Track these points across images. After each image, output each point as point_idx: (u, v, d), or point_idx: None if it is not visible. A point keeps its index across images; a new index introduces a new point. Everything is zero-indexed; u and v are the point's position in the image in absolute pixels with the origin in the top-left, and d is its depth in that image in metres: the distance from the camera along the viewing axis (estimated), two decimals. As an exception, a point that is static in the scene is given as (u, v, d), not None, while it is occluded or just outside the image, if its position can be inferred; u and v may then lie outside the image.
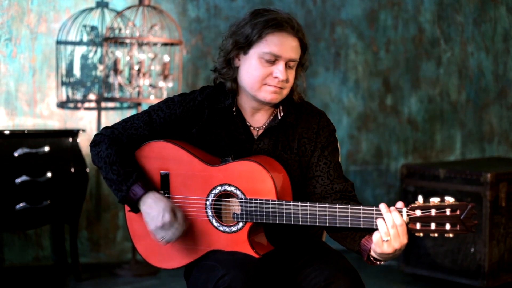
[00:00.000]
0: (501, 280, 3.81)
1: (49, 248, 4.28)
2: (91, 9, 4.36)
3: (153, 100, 4.14)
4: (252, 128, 2.18)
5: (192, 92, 2.21)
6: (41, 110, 4.23)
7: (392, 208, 1.90)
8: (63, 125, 4.30)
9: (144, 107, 4.34)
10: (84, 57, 4.37)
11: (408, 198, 3.99)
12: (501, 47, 4.68)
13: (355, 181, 4.99)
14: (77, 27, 4.31)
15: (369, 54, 5.06)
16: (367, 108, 5.07)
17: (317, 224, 1.98)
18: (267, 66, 2.07)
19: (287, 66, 2.09)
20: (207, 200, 2.08)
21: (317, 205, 1.97)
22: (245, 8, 4.67)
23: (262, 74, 2.08)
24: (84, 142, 4.22)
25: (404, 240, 1.88)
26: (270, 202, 2.00)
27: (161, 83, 4.24)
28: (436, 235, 1.85)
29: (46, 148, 3.79)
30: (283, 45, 2.06)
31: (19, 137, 3.75)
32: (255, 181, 2.02)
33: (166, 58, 4.22)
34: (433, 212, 1.85)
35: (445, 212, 1.84)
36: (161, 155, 2.14)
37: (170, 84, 4.28)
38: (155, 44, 4.33)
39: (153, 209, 2.03)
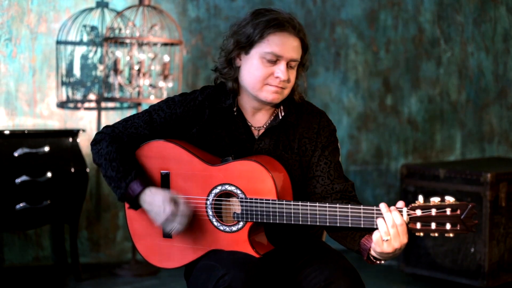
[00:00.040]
0: (501, 280, 3.81)
1: (49, 248, 4.28)
2: (91, 9, 4.36)
3: (153, 100, 4.14)
4: (253, 128, 2.18)
5: (193, 92, 2.21)
6: (41, 110, 4.23)
7: (392, 207, 1.90)
8: (63, 125, 4.30)
9: (144, 107, 4.34)
10: (84, 57, 4.37)
11: (408, 198, 3.99)
12: (501, 47, 4.69)
13: (355, 181, 4.99)
14: (77, 27, 4.31)
15: (369, 54, 5.06)
16: (367, 108, 5.07)
17: (318, 223, 1.98)
18: (268, 66, 2.08)
19: (288, 66, 2.09)
20: (207, 199, 2.08)
21: (317, 204, 1.97)
22: (245, 8, 4.67)
23: (264, 74, 2.08)
24: (84, 142, 4.22)
25: (404, 239, 1.88)
26: (270, 201, 2.00)
27: (161, 83, 4.24)
28: (436, 234, 1.85)
29: (46, 148, 3.79)
30: (284, 45, 2.06)
31: (19, 137, 3.75)
32: (255, 181, 2.02)
33: (166, 58, 4.22)
34: (433, 211, 1.85)
35: (445, 211, 1.84)
36: (162, 154, 2.14)
37: (170, 84, 4.28)
38: (155, 44, 4.33)
39: (153, 205, 2.04)
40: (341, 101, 5.05)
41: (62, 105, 4.30)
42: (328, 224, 1.97)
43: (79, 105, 4.36)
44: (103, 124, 4.37)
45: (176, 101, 2.18)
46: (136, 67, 4.18)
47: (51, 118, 4.26)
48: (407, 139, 5.07)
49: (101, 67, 4.38)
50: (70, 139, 3.90)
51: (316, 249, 2.12)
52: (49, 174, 3.77)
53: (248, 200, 2.02)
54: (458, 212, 1.83)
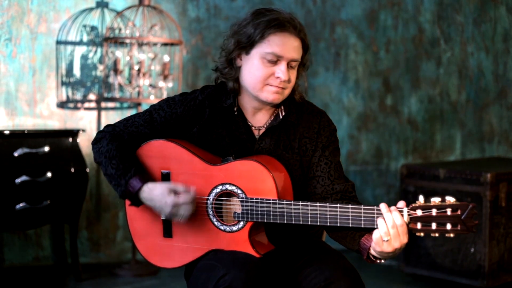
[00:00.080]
0: (501, 280, 3.81)
1: (49, 248, 4.27)
2: (91, 9, 4.36)
3: (153, 100, 4.14)
4: (253, 127, 2.18)
5: (193, 92, 2.21)
6: (41, 110, 4.23)
7: (392, 207, 1.89)
8: (63, 125, 4.30)
9: (144, 107, 4.34)
10: (84, 57, 4.37)
11: (408, 198, 3.99)
12: (501, 47, 4.69)
13: (355, 181, 4.99)
14: (77, 27, 4.31)
15: (369, 54, 5.06)
16: (367, 108, 5.07)
17: (318, 223, 1.98)
18: (269, 66, 2.07)
19: (289, 66, 2.09)
20: (208, 199, 2.08)
21: (318, 204, 1.97)
22: (245, 8, 4.67)
23: (264, 74, 2.08)
24: (84, 142, 4.22)
25: (404, 239, 1.88)
26: (271, 201, 2.00)
27: (161, 83, 4.24)
28: (437, 235, 1.85)
29: (46, 148, 3.79)
30: (285, 45, 2.06)
31: (19, 137, 3.75)
32: (256, 181, 2.02)
33: (166, 58, 4.22)
34: (434, 212, 1.85)
35: (446, 212, 1.84)
36: (162, 154, 2.14)
37: (170, 84, 4.28)
38: (155, 44, 4.33)
39: (154, 201, 2.04)
40: (341, 101, 5.05)
41: (62, 105, 4.30)
42: (328, 224, 1.97)
43: (79, 105, 4.36)
44: (103, 124, 4.37)
45: (177, 101, 2.18)
46: (136, 67, 4.18)
47: (51, 118, 4.26)
48: (407, 139, 5.07)
49: (101, 67, 4.38)
50: (70, 139, 3.90)
51: (316, 249, 2.12)
52: (49, 174, 3.77)
53: (249, 200, 2.02)
54: (459, 212, 1.83)
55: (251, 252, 2.02)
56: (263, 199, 2.00)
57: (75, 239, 3.96)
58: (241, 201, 2.03)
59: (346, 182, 2.14)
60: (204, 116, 2.17)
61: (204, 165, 2.08)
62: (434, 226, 1.85)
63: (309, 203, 1.97)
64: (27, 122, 4.18)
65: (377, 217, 1.91)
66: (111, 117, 4.43)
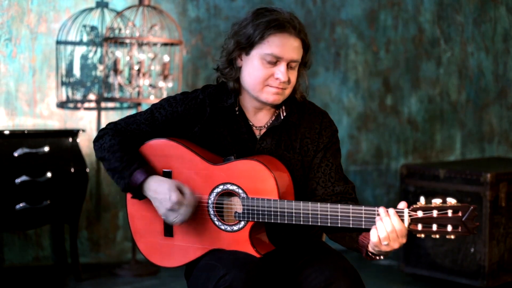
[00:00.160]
0: (501, 280, 3.81)
1: (49, 248, 4.27)
2: (91, 9, 4.36)
3: (153, 100, 4.14)
4: (254, 127, 2.18)
5: (194, 91, 2.21)
6: (41, 110, 4.23)
7: (391, 211, 1.89)
8: (63, 125, 4.29)
9: (144, 107, 4.34)
10: (84, 57, 4.37)
11: (408, 198, 3.99)
12: (501, 47, 4.69)
13: (355, 181, 4.99)
14: (77, 27, 4.31)
15: (369, 54, 5.06)
16: (367, 108, 5.07)
17: (319, 224, 1.98)
18: (268, 67, 2.07)
19: (288, 66, 2.09)
20: (209, 198, 2.08)
21: (318, 204, 1.97)
22: (245, 8, 4.67)
23: (264, 75, 2.07)
24: (84, 142, 4.22)
25: (403, 240, 1.89)
26: (272, 201, 2.00)
27: (161, 83, 4.24)
28: (437, 236, 1.85)
29: (46, 148, 3.79)
30: (284, 46, 2.06)
31: (19, 137, 3.75)
32: (257, 181, 2.02)
33: (166, 58, 4.22)
34: (434, 213, 1.84)
35: (447, 213, 1.84)
36: (164, 153, 2.14)
37: (170, 84, 4.28)
38: (155, 44, 4.33)
39: (159, 193, 2.03)
40: (341, 101, 5.05)
41: (62, 105, 4.30)
42: (329, 224, 1.96)
43: (79, 105, 4.36)
44: (103, 124, 4.37)
45: (178, 100, 2.18)
46: (136, 67, 4.18)
47: (51, 118, 4.26)
48: (407, 139, 5.07)
49: (101, 67, 4.38)
50: (70, 139, 3.90)
51: (317, 250, 2.12)
52: (49, 174, 3.77)
53: (250, 200, 2.02)
54: (460, 214, 1.83)
55: (251, 252, 2.02)
56: (264, 199, 2.01)
57: (75, 239, 3.96)
58: (242, 201, 2.03)
59: (346, 184, 2.14)
60: (205, 115, 2.17)
61: (205, 164, 2.08)
62: (434, 227, 1.85)
63: (310, 203, 1.97)
64: (27, 122, 4.17)
65: (377, 219, 1.91)
66: (111, 117, 4.42)
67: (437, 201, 1.86)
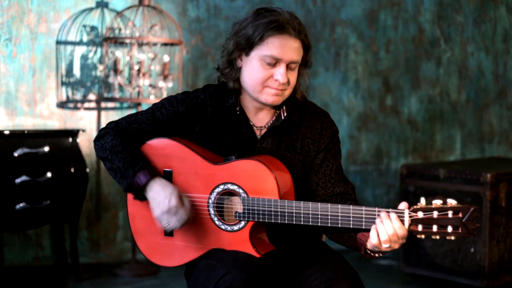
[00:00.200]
0: (501, 280, 3.81)
1: (49, 248, 4.27)
2: (91, 9, 4.36)
3: (153, 100, 4.14)
4: (255, 127, 2.18)
5: (195, 91, 2.21)
6: (41, 110, 4.23)
7: (393, 215, 1.89)
8: (63, 125, 4.29)
9: (144, 107, 4.34)
10: (84, 57, 4.37)
11: (408, 198, 3.99)
12: (501, 47, 4.69)
13: (355, 181, 4.99)
14: (77, 27, 4.31)
15: (369, 54, 5.06)
16: (367, 108, 5.07)
17: (319, 224, 1.97)
18: (268, 69, 2.07)
19: (288, 68, 2.08)
20: (209, 198, 2.08)
21: (319, 205, 1.97)
22: (245, 8, 4.67)
23: (263, 77, 2.07)
24: (84, 142, 4.22)
25: (403, 241, 1.89)
26: (272, 201, 2.00)
27: (161, 83, 4.24)
28: (437, 237, 1.85)
29: (46, 148, 3.79)
30: (284, 47, 2.05)
31: (19, 137, 3.75)
32: (258, 180, 2.02)
33: (166, 58, 4.22)
34: (435, 214, 1.84)
35: (447, 214, 1.83)
36: (165, 152, 2.14)
37: (170, 84, 4.27)
38: (155, 44, 4.33)
39: (160, 194, 2.03)
40: (341, 101, 5.05)
41: (62, 105, 4.30)
42: (329, 225, 1.96)
43: (79, 105, 4.36)
44: (103, 124, 4.37)
45: (179, 99, 2.18)
46: (136, 67, 4.18)
47: (51, 118, 4.26)
48: (407, 139, 5.07)
49: (101, 67, 4.38)
50: (70, 139, 3.90)
51: (317, 250, 2.12)
52: (49, 174, 3.77)
53: (250, 200, 2.02)
54: (460, 215, 1.83)
55: (251, 252, 2.02)
56: (264, 199, 2.01)
57: (75, 239, 3.96)
58: (243, 201, 2.03)
59: (346, 184, 2.14)
60: (206, 115, 2.17)
61: (206, 164, 2.08)
62: (435, 228, 1.85)
63: (310, 204, 1.97)
64: (27, 122, 4.17)
65: (377, 221, 1.90)
66: (111, 117, 4.42)
67: (437, 202, 1.86)
